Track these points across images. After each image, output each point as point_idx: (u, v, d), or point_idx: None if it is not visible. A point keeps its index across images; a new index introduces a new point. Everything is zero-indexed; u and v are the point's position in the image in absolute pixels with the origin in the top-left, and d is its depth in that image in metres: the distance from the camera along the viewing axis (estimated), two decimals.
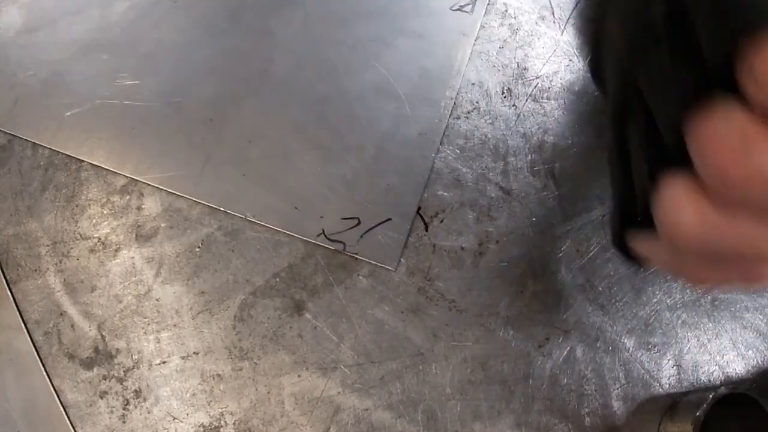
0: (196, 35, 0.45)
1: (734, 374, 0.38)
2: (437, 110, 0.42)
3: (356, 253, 0.39)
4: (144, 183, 0.40)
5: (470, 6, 0.45)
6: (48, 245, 0.39)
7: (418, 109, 0.42)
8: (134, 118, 0.43)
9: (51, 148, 0.42)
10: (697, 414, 0.34)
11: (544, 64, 0.44)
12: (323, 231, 0.39)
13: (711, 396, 0.33)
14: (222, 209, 0.40)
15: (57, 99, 0.43)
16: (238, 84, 0.44)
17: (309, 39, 0.45)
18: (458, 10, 0.45)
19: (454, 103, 0.42)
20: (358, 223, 0.39)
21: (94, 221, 0.40)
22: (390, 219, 0.39)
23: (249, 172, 0.41)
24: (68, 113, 0.43)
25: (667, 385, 0.37)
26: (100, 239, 0.40)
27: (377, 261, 0.39)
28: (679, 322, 0.38)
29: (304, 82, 0.43)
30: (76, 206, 0.40)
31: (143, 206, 0.40)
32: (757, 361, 0.38)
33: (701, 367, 0.37)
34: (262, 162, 0.42)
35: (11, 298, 0.38)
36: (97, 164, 0.41)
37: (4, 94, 0.43)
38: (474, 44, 0.43)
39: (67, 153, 0.42)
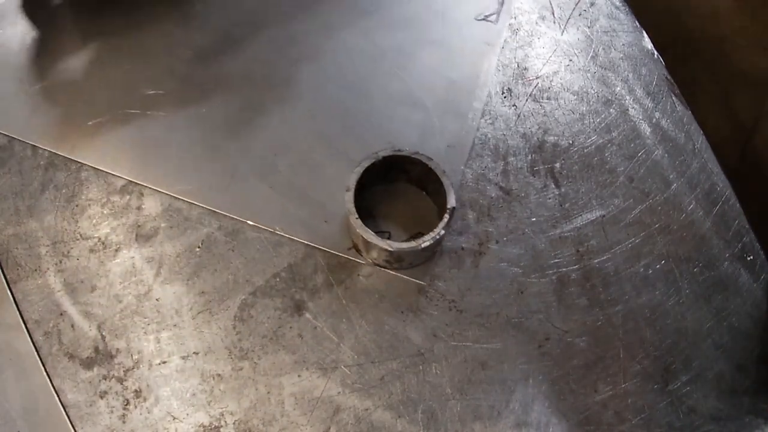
0: (217, 45, 0.45)
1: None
2: (464, 122, 0.42)
3: (397, 270, 0.38)
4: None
5: (495, 16, 0.44)
6: (48, 245, 0.39)
7: (445, 120, 0.42)
8: (157, 128, 0.43)
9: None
10: (355, 169, 0.35)
11: (544, 64, 0.44)
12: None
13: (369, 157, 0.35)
14: (251, 223, 0.40)
15: (77, 108, 0.43)
16: (262, 94, 0.43)
17: (332, 49, 0.44)
18: (483, 20, 0.44)
19: (482, 114, 0.42)
20: (389, 237, 0.39)
21: (94, 221, 0.40)
22: (420, 233, 0.39)
23: (276, 184, 0.41)
24: (90, 123, 0.43)
25: None
26: (100, 239, 0.40)
27: (412, 277, 0.38)
28: None
29: (329, 92, 0.43)
30: (76, 206, 0.40)
31: (143, 206, 0.40)
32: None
33: None
34: (289, 174, 0.41)
35: (11, 298, 0.38)
36: (119, 175, 0.41)
37: (20, 103, 0.43)
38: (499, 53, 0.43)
39: (89, 164, 0.41)
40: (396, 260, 0.37)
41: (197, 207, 0.40)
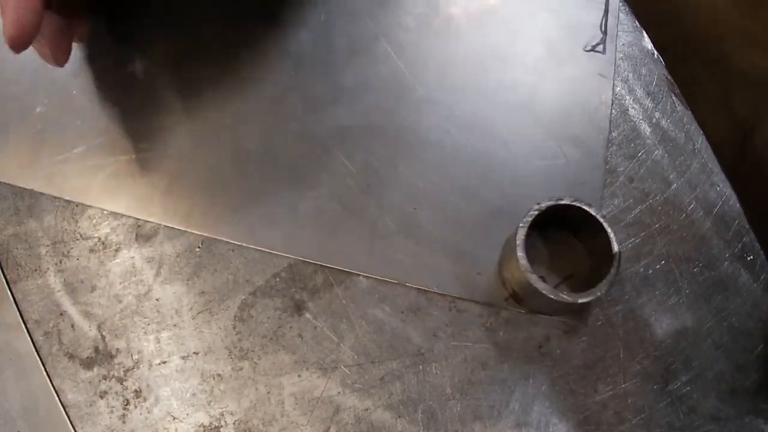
0: (328, 95, 0.42)
1: None
2: (592, 158, 0.41)
3: (552, 315, 0.38)
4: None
5: (602, 46, 0.43)
6: (48, 245, 0.39)
7: (573, 157, 0.41)
8: (281, 190, 0.40)
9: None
10: (520, 224, 0.34)
11: None
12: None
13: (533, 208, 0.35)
14: (405, 284, 0.38)
15: (182, 176, 0.40)
16: (386, 145, 0.41)
17: (449, 90, 0.42)
18: (591, 50, 0.43)
19: (608, 152, 0.41)
20: (544, 281, 0.37)
21: (94, 221, 0.40)
22: (572, 275, 0.38)
23: (422, 240, 0.39)
24: (201, 190, 0.40)
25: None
26: (100, 239, 0.40)
27: (565, 318, 0.38)
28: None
29: (454, 135, 0.41)
30: (76, 206, 0.40)
31: None
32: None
33: None
34: (432, 227, 0.39)
35: (11, 298, 0.38)
36: (249, 246, 0.39)
37: (113, 174, 0.40)
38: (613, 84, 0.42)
39: (211, 235, 0.39)
40: (562, 308, 0.37)
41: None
